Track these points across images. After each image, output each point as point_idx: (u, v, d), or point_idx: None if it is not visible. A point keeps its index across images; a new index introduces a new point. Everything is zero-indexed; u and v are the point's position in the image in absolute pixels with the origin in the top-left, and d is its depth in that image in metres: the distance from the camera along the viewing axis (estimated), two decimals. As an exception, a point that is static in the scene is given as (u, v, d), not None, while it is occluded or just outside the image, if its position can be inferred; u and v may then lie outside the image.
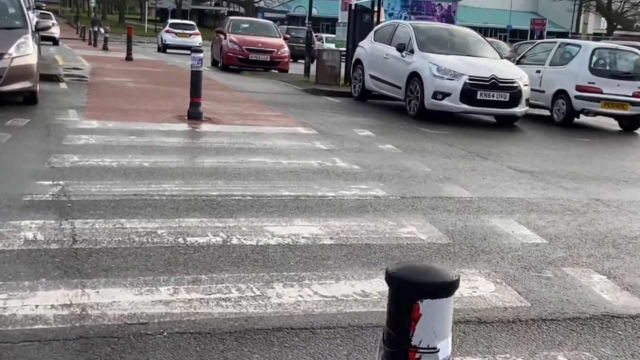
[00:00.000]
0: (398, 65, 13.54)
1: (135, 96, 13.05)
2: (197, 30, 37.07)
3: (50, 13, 38.03)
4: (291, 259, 4.42)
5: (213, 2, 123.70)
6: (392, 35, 14.26)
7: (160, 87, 15.10)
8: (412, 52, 13.27)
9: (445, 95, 12.26)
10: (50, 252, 4.21)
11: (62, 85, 13.91)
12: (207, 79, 17.54)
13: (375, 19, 18.90)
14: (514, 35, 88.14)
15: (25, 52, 10.64)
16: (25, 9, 11.54)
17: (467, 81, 12.17)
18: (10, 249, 4.23)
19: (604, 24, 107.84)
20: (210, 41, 51.66)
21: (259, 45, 22.20)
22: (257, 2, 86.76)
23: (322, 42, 45.69)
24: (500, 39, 55.72)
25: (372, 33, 15.41)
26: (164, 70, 20.30)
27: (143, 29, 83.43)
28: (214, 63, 24.92)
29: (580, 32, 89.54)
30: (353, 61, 15.78)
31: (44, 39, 35.26)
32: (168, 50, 36.35)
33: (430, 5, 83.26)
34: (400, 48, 13.43)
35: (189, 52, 35.39)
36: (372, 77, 14.67)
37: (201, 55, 10.91)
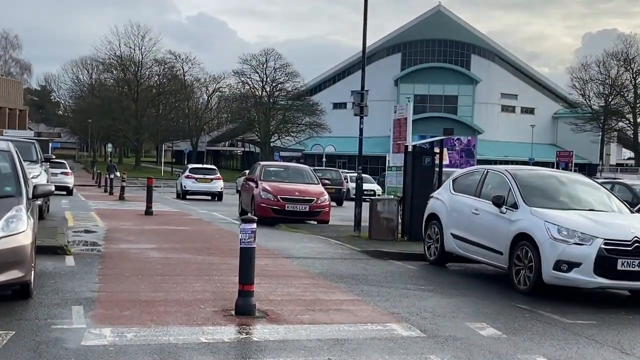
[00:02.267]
0: (495, 224, 10.60)
1: (162, 275, 10.07)
2: (218, 175, 34.80)
3: (65, 162, 35.99)
4: None
5: (227, 143, 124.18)
6: (480, 184, 11.43)
7: (190, 255, 12.16)
8: (514, 206, 10.36)
9: (573, 265, 9.22)
10: None
11: (69, 261, 10.98)
12: (234, 237, 14.68)
13: (436, 161, 16.21)
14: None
15: (15, 229, 7.77)
16: (19, 169, 8.78)
17: (603, 246, 9.15)
18: None
19: (624, 154, 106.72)
20: (234, 186, 50.01)
21: (296, 194, 19.50)
22: (273, 142, 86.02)
23: (347, 181, 43.51)
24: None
25: (449, 182, 12.59)
26: (190, 227, 17.46)
27: (159, 171, 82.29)
28: (243, 213, 22.14)
29: (603, 163, 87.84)
30: (426, 216, 12.87)
31: (57, 188, 33.09)
32: (188, 197, 33.94)
33: (449, 140, 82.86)
34: (498, 202, 10.54)
35: (209, 197, 33.25)
36: (455, 237, 11.71)
37: (254, 226, 8.04)
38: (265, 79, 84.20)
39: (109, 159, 70.13)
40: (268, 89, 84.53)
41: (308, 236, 16.29)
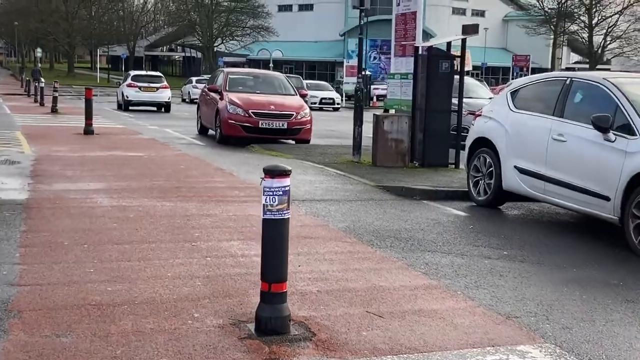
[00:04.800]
0: (597, 156, 7.45)
1: (120, 242, 6.65)
2: (165, 83, 30.75)
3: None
4: None
5: (166, 48, 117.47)
6: (562, 99, 8.17)
7: (154, 201, 8.70)
8: (628, 131, 7.20)
9: None
10: None
11: (-23, 217, 7.45)
12: (206, 167, 11.24)
13: (456, 67, 12.89)
14: (489, 73, 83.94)
15: None
16: None
17: None
18: None
19: (572, 57, 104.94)
20: (180, 95, 45.51)
21: (272, 107, 15.98)
22: (216, 46, 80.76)
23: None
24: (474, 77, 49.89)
25: (506, 95, 9.29)
26: (144, 152, 13.79)
27: (94, 78, 76.59)
28: (203, 131, 18.59)
29: (555, 67, 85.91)
30: (471, 142, 9.61)
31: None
32: (131, 108, 29.97)
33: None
34: (604, 124, 7.34)
35: (154, 108, 29.33)
36: (521, 171, 8.54)
37: (286, 183, 4.69)
38: (206, -22, 78.20)
39: (39, 64, 64.22)
40: (210, -11, 78.64)
41: (296, 162, 12.92)
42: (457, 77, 12.95)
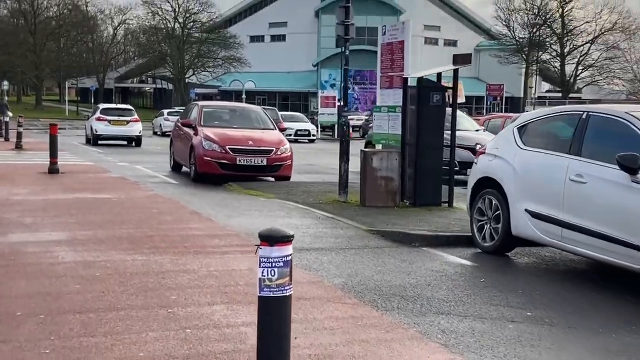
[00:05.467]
0: (623, 200, 6.64)
1: (83, 311, 5.65)
2: (135, 116, 29.74)
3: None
4: None
5: (137, 80, 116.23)
6: (579, 135, 7.36)
7: (124, 254, 7.70)
8: (662, 174, 6.41)
9: None
10: None
11: None
12: (181, 211, 10.23)
13: (448, 99, 12.14)
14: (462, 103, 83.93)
15: None
16: None
17: None
18: None
19: (543, 86, 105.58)
20: (151, 127, 44.26)
21: (250, 143, 15.06)
22: (188, 77, 79.86)
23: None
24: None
25: (512, 130, 8.48)
26: (113, 194, 12.72)
27: (63, 111, 75.18)
28: (176, 167, 17.61)
29: (528, 96, 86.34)
30: (474, 182, 8.77)
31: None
32: (100, 142, 28.91)
33: (374, 74, 78.30)
34: (633, 164, 6.54)
35: (126, 142, 28.25)
36: (534, 215, 7.69)
37: (288, 252, 3.76)
38: (177, 9, 77.56)
39: (6, 97, 62.68)
40: (181, 20, 77.94)
41: (278, 203, 12.00)
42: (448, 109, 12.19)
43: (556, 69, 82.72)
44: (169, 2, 77.32)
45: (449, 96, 12.23)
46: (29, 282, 6.44)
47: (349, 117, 48.45)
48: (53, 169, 15.58)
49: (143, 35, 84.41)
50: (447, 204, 11.95)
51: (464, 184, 14.08)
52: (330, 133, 48.28)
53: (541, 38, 79.68)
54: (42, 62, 80.00)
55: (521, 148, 8.14)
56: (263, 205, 11.81)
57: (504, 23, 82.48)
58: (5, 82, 71.08)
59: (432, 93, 11.91)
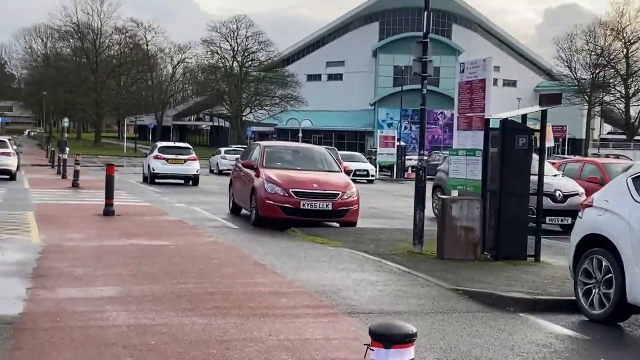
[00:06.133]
0: None
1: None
2: (193, 155, 29.19)
3: (6, 139, 29.97)
4: None
5: (194, 117, 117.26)
6: None
7: (183, 317, 6.80)
8: None
9: None
10: None
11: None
12: (243, 261, 9.19)
13: (535, 144, 11.07)
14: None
15: None
16: None
17: None
18: None
19: (605, 128, 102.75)
20: (207, 165, 43.89)
21: (314, 186, 14.17)
22: (245, 115, 80.00)
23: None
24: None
25: (627, 180, 7.36)
26: (170, 241, 11.82)
27: (121, 148, 75.95)
28: (235, 210, 16.82)
29: (591, 138, 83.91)
30: (579, 240, 7.64)
31: (-1, 172, 27.26)
32: (157, 181, 28.43)
33: (433, 114, 77.14)
34: None
35: (183, 181, 27.72)
36: (660, 282, 6.55)
37: (411, 358, 2.72)
38: (236, 48, 78.03)
39: (66, 134, 63.46)
40: (239, 59, 78.35)
41: (348, 254, 11.01)
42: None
43: (620, 111, 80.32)
44: (228, 41, 77.92)
45: (535, 139, 11.15)
46: (76, 352, 5.57)
47: (408, 157, 47.15)
48: (108, 211, 14.92)
49: (201, 74, 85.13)
50: (533, 258, 10.81)
51: (545, 233, 12.95)
52: (389, 173, 47.23)
53: (605, 79, 77.56)
54: (103, 100, 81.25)
55: (638, 202, 7.02)
56: (331, 255, 10.85)
57: (565, 64, 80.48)
58: (66, 119, 72.28)
59: (517, 136, 10.85)
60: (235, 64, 78.90)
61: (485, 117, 11.27)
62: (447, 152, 36.80)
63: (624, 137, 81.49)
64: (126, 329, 6.30)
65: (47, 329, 6.19)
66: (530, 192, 10.97)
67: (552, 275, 9.45)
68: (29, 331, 6.10)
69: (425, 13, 11.52)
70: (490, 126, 11.23)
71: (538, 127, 12.03)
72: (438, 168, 20.79)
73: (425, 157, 11.99)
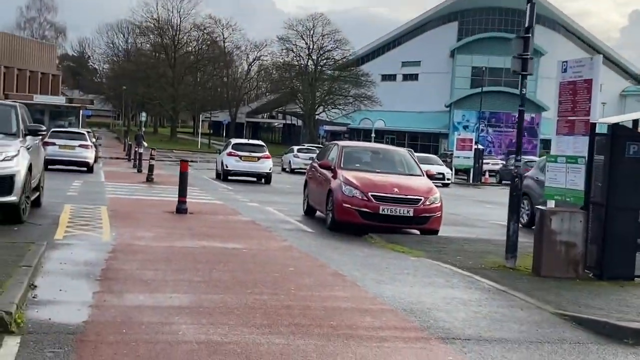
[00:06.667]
0: None
1: None
2: (267, 152, 28.75)
3: (85, 132, 30.20)
4: None
5: (267, 115, 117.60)
6: None
7: (259, 334, 6.12)
8: None
9: None
10: None
11: (5, 354, 5.10)
12: (321, 270, 8.43)
13: (648, 152, 9.96)
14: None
15: None
16: None
17: None
18: None
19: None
20: (280, 163, 43.55)
21: (395, 190, 13.35)
22: (318, 114, 79.58)
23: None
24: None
25: None
26: (243, 244, 11.20)
27: (196, 144, 76.57)
28: (309, 211, 16.14)
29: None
30: None
31: (74, 164, 27.36)
32: (230, 178, 28.07)
33: (511, 117, 74.88)
34: None
35: (255, 179, 27.27)
36: None
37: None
38: (311, 46, 77.67)
39: (143, 128, 64.21)
40: (314, 57, 77.96)
41: (432, 265, 10.17)
42: None
43: None
44: (303, 39, 77.64)
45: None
46: (139, 374, 4.95)
47: (486, 161, 45.70)
48: (181, 209, 14.44)
49: (276, 72, 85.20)
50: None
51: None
52: (465, 177, 45.94)
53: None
54: (179, 95, 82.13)
55: None
56: (415, 267, 10.02)
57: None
58: (144, 114, 73.39)
59: (628, 143, 9.80)
60: (310, 62, 78.59)
61: (590, 121, 10.25)
62: (528, 158, 35.47)
63: None
64: (196, 346, 5.65)
65: (111, 342, 5.59)
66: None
67: (667, 301, 8.41)
68: (92, 344, 5.51)
69: (529, 5, 10.46)
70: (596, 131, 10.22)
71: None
72: (525, 175, 19.64)
73: (520, 163, 10.98)
